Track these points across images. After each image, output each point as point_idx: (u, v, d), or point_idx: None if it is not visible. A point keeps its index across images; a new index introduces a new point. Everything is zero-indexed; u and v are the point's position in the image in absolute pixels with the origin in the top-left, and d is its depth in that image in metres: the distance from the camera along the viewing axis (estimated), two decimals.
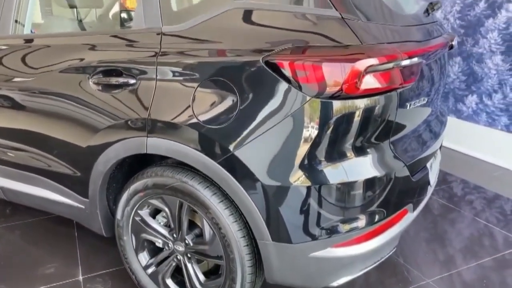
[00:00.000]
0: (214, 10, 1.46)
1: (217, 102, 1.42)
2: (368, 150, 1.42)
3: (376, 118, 1.37)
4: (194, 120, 1.44)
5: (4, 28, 1.94)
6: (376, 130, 1.40)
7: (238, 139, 1.39)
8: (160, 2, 1.56)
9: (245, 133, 1.38)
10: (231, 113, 1.39)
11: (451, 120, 2.58)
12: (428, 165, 1.74)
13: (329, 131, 1.33)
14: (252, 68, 1.35)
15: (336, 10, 1.32)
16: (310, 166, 1.36)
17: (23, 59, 1.89)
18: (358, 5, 1.37)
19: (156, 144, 1.54)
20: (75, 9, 2.39)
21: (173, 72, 1.49)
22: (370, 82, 1.29)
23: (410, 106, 1.49)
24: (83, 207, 1.90)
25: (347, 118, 1.33)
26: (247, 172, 1.39)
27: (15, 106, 1.93)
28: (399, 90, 1.38)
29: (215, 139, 1.42)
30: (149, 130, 1.54)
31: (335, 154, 1.38)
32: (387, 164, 1.46)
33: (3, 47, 1.96)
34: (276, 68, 1.32)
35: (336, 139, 1.36)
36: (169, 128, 1.51)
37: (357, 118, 1.34)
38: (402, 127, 1.52)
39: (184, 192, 1.55)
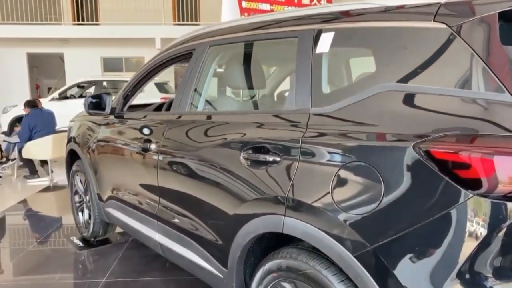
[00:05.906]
0: (364, 92, 1.40)
1: (358, 189, 1.31)
2: None
3: None
4: (332, 205, 1.36)
5: (182, 105, 2.27)
6: None
7: (379, 233, 1.24)
8: (312, 86, 1.59)
9: (387, 226, 1.22)
10: (374, 203, 1.25)
11: None
12: None
13: (498, 240, 1.07)
14: (403, 155, 1.21)
15: (511, 95, 1.10)
16: (473, 281, 1.11)
17: (192, 133, 2.15)
18: None
19: (292, 225, 1.49)
20: (241, 90, 2.67)
21: (316, 153, 1.46)
22: None
23: None
24: (221, 276, 1.93)
25: None
26: (387, 273, 1.21)
27: (181, 172, 2.17)
28: None
29: (353, 229, 1.29)
30: (287, 209, 1.51)
31: (507, 270, 1.08)
32: None
33: (180, 122, 2.28)
34: (433, 157, 1.15)
35: (508, 250, 1.07)
36: (306, 210, 1.45)
37: None
38: None
39: (316, 281, 1.43)
